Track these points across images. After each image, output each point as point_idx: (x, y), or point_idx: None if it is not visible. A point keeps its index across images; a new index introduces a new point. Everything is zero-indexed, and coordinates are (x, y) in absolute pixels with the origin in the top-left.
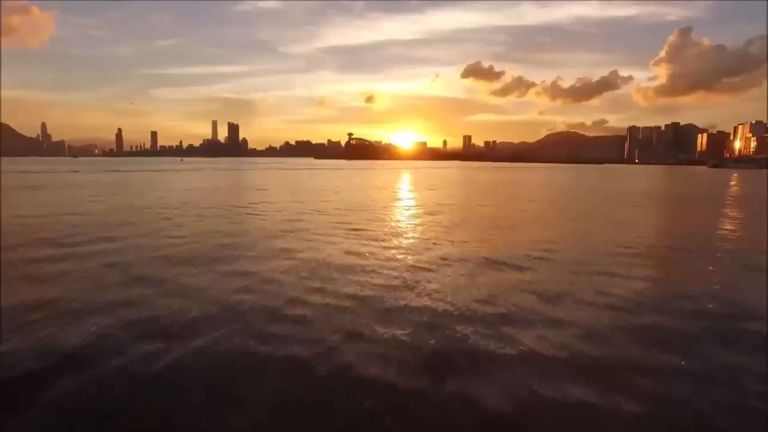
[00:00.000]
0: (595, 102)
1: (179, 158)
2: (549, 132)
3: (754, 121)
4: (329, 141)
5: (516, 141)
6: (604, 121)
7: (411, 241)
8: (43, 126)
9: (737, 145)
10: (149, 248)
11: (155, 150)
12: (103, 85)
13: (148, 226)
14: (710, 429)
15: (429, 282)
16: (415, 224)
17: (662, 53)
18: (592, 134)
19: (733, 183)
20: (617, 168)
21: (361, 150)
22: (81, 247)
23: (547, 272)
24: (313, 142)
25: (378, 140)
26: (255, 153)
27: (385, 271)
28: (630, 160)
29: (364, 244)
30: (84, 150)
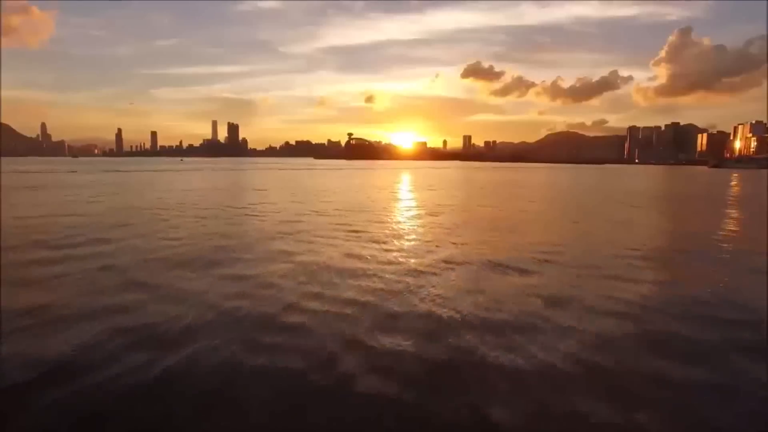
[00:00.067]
0: (595, 102)
1: (179, 158)
2: (549, 132)
3: (754, 121)
4: (329, 141)
5: (516, 141)
6: (604, 121)
7: (412, 243)
8: (43, 126)
9: (737, 145)
10: (146, 250)
11: (155, 150)
12: (103, 85)
13: (147, 227)
14: None
15: (432, 287)
16: (416, 226)
17: (662, 53)
18: (592, 134)
19: (734, 183)
20: (617, 168)
21: (361, 150)
22: (78, 248)
23: (551, 276)
24: (313, 142)
25: (378, 140)
26: (255, 153)
27: (386, 275)
28: (630, 161)
29: (364, 247)
30: (84, 150)
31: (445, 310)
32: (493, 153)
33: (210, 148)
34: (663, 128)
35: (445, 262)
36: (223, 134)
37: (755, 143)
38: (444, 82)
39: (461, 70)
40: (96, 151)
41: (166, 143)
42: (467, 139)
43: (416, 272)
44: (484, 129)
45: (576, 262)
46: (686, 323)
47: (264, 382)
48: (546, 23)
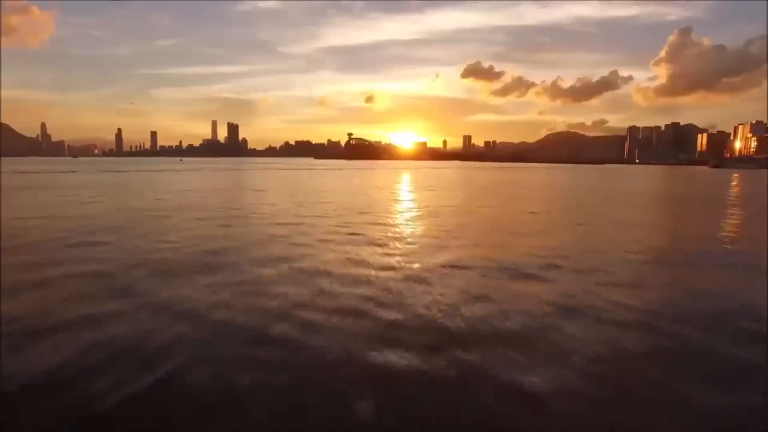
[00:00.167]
0: (595, 102)
1: (179, 158)
2: (549, 132)
3: (754, 121)
4: (329, 141)
5: (516, 141)
6: (604, 121)
7: (414, 246)
8: (43, 126)
9: (737, 145)
10: (145, 251)
11: (155, 150)
12: (103, 85)
13: (145, 228)
14: None
15: (436, 293)
16: (417, 227)
17: (662, 53)
18: (592, 134)
19: (734, 183)
20: (617, 168)
21: (361, 150)
22: (72, 250)
23: (557, 281)
24: (313, 142)
25: (378, 140)
26: (255, 153)
27: (387, 281)
28: (630, 160)
29: (364, 250)
30: (84, 150)
31: (450, 319)
32: (493, 153)
33: (210, 148)
34: (663, 128)
35: (449, 266)
36: (223, 134)
37: (755, 143)
38: (444, 82)
39: (461, 70)
40: (96, 151)
41: (166, 143)
42: (467, 139)
43: (419, 278)
44: (484, 129)
45: (583, 265)
46: (692, 327)
47: (252, 401)
48: (546, 23)
